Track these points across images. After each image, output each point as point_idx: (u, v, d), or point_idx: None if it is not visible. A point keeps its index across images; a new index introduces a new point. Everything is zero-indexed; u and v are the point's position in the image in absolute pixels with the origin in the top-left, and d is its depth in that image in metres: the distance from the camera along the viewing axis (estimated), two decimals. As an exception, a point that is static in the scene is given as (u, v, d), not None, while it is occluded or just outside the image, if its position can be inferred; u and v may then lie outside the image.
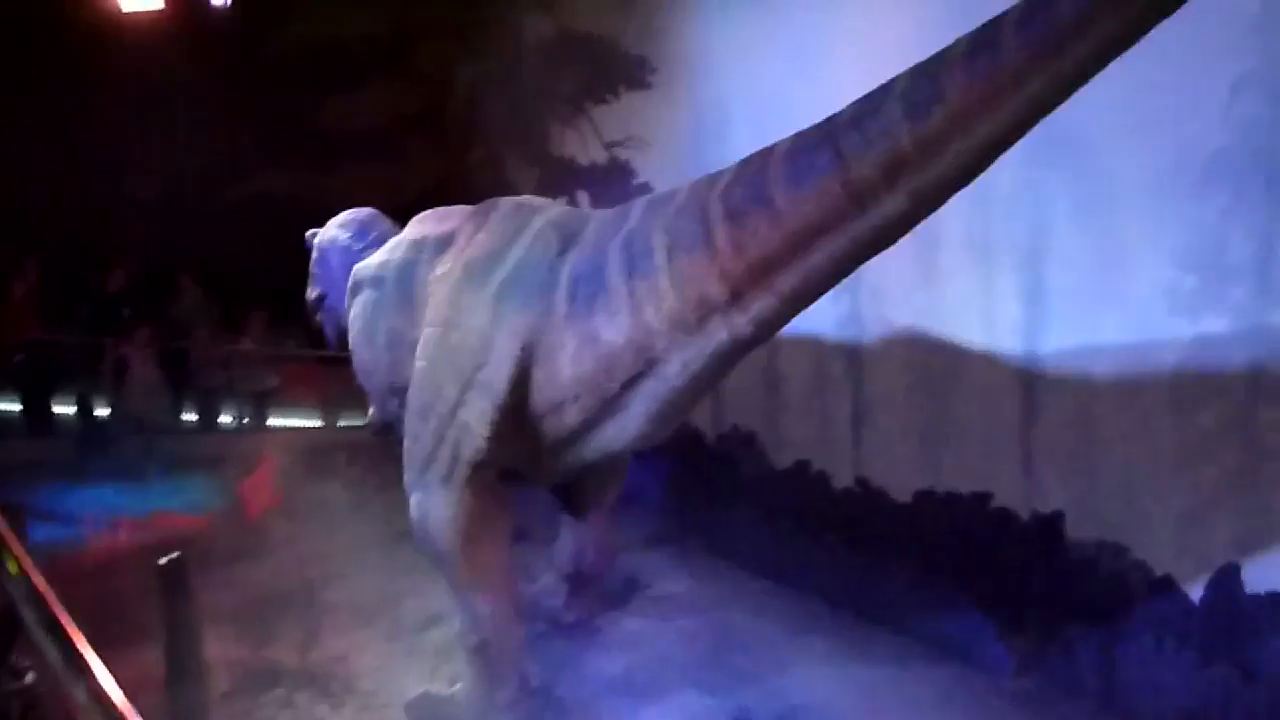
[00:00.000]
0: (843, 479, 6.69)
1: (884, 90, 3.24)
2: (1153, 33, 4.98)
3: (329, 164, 10.95)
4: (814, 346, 6.69)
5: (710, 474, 7.64)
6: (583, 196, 8.60)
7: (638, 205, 4.33)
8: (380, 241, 6.07)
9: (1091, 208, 5.19)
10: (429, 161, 10.99)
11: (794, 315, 3.81)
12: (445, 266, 4.97)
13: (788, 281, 3.61)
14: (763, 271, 3.63)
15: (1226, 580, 4.86)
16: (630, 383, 4.21)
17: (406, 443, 5.02)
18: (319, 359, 10.13)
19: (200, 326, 10.66)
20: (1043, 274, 5.44)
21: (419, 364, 4.90)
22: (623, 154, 8.14)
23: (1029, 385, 5.56)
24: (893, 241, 3.48)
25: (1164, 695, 4.99)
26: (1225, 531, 4.85)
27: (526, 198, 5.17)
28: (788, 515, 6.98)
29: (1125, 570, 5.23)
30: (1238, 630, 4.79)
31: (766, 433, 7.24)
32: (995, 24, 2.98)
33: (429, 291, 5.04)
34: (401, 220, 6.19)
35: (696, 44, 7.31)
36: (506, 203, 5.04)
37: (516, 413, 4.53)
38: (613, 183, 8.15)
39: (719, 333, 3.87)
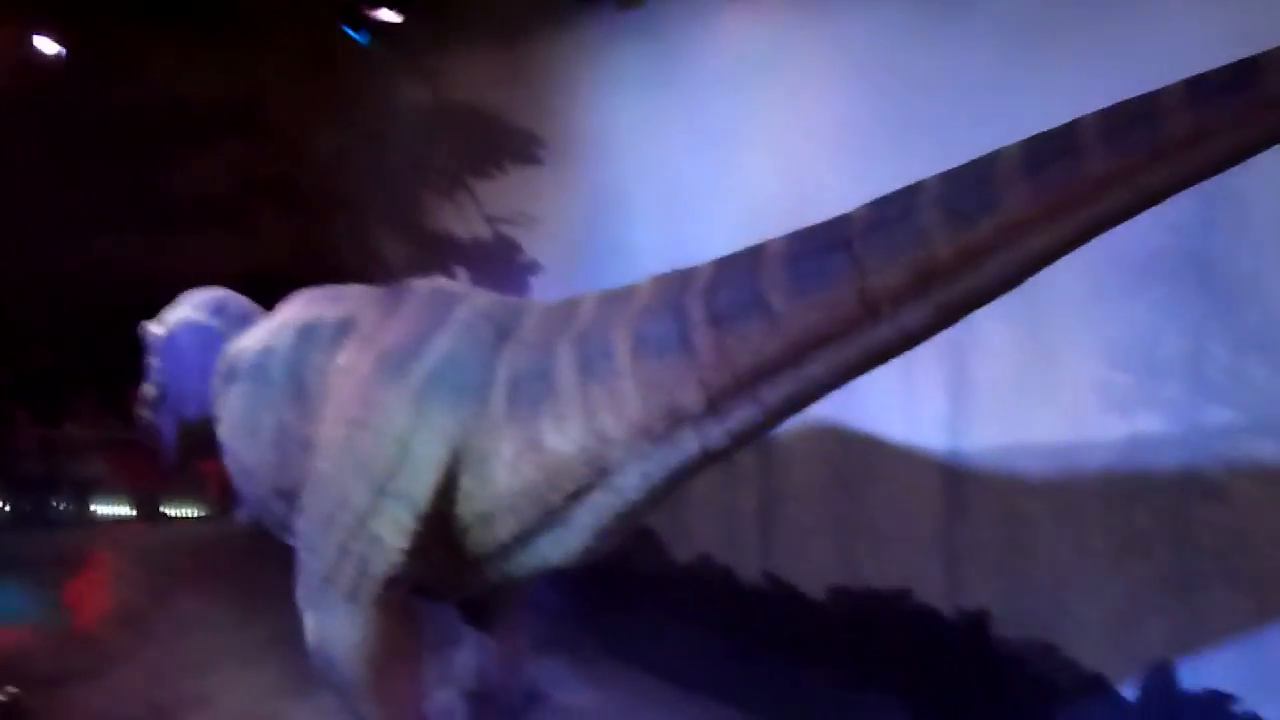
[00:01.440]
0: (749, 574, 6.43)
1: (910, 194, 2.98)
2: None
3: (172, 230, 10.07)
4: (719, 436, 6.45)
5: (606, 571, 7.22)
6: (461, 273, 8.17)
7: (588, 300, 3.94)
8: (245, 320, 5.50)
9: (1018, 301, 5.14)
10: (283, 231, 10.30)
11: (777, 426, 3.49)
12: (348, 357, 4.45)
13: (777, 392, 3.26)
14: (750, 381, 3.26)
15: (1160, 679, 4.82)
16: (577, 494, 3.80)
17: (301, 555, 4.43)
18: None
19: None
20: (967, 367, 5.37)
21: (319, 467, 4.35)
22: (508, 230, 7.77)
23: (952, 480, 5.45)
24: (901, 353, 3.22)
25: (1105, 801, 4.88)
26: (1158, 629, 4.81)
27: (443, 282, 4.72)
28: (691, 614, 6.65)
29: (1055, 669, 5.14)
30: (1174, 730, 4.75)
31: (666, 526, 6.91)
32: (1068, 132, 2.72)
33: (327, 383, 4.51)
34: (258, 296, 5.68)
35: (595, 122, 7.06)
36: (421, 287, 4.57)
37: (439, 523, 4.05)
38: (496, 260, 7.77)
39: (689, 444, 3.50)
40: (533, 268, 7.53)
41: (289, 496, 4.67)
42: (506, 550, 4.08)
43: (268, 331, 5.02)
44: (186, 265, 9.78)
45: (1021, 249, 2.79)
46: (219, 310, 5.76)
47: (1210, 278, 4.57)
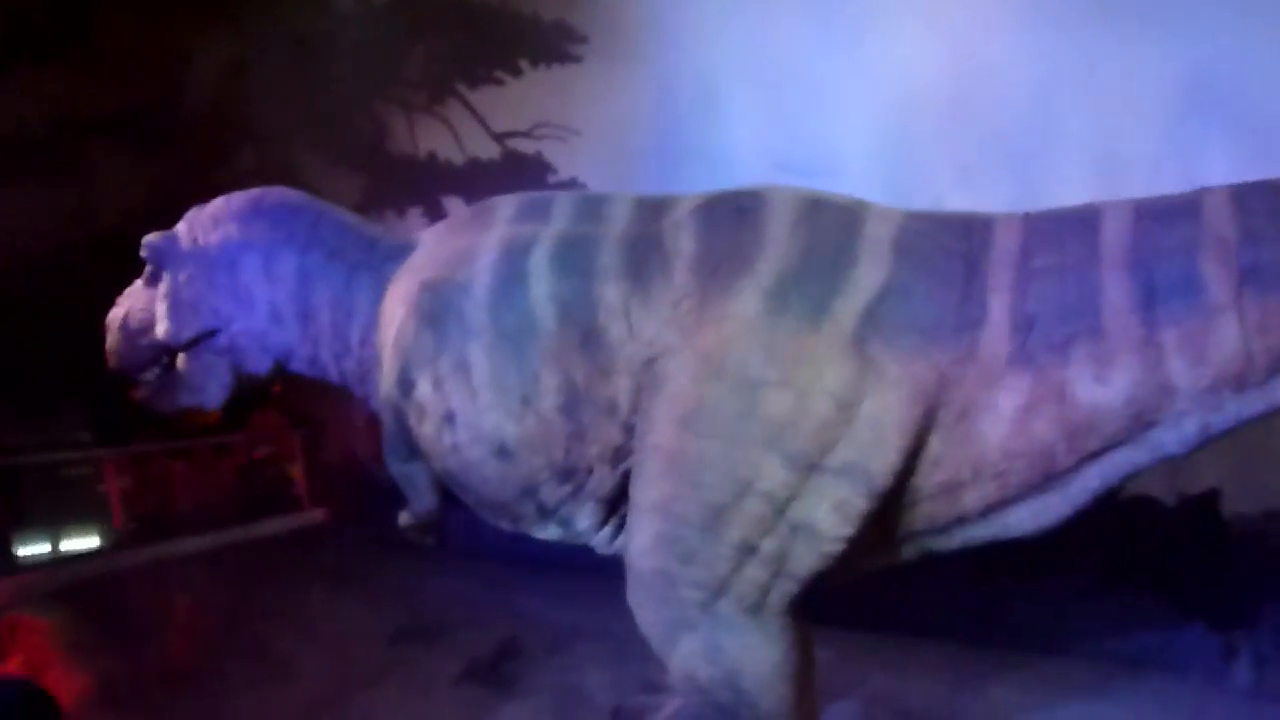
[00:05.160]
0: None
1: None
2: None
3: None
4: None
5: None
6: (454, 202, 6.82)
7: (1108, 216, 3.14)
8: (370, 243, 4.05)
9: (1255, 165, 4.93)
10: (126, 175, 8.24)
11: None
12: (694, 293, 3.40)
13: None
14: None
15: None
16: (1099, 452, 3.09)
17: (661, 565, 3.38)
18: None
19: None
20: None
21: (689, 444, 3.29)
22: (528, 146, 6.52)
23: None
24: None
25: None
26: None
27: (779, 187, 3.66)
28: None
29: (1303, 536, 5.12)
30: None
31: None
32: None
33: (641, 326, 3.44)
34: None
35: (660, 6, 5.98)
36: (778, 199, 3.46)
37: (888, 500, 3.21)
38: (512, 184, 6.47)
39: None
40: (571, 189, 6.40)
41: (576, 477, 3.60)
42: (959, 524, 3.31)
43: (480, 259, 3.71)
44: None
45: None
46: (313, 225, 4.04)
47: None
